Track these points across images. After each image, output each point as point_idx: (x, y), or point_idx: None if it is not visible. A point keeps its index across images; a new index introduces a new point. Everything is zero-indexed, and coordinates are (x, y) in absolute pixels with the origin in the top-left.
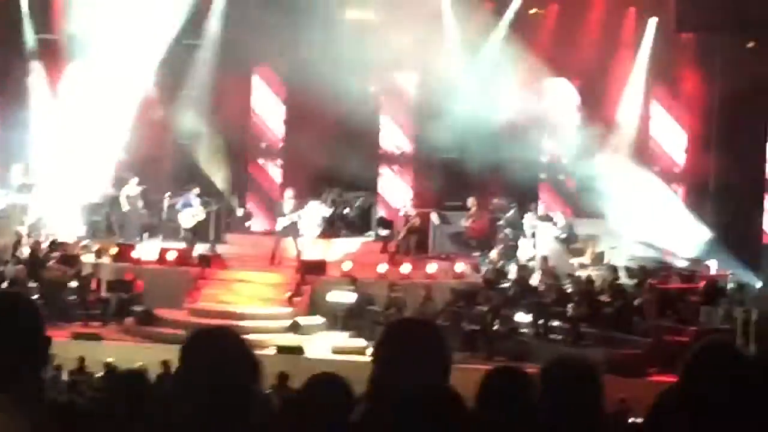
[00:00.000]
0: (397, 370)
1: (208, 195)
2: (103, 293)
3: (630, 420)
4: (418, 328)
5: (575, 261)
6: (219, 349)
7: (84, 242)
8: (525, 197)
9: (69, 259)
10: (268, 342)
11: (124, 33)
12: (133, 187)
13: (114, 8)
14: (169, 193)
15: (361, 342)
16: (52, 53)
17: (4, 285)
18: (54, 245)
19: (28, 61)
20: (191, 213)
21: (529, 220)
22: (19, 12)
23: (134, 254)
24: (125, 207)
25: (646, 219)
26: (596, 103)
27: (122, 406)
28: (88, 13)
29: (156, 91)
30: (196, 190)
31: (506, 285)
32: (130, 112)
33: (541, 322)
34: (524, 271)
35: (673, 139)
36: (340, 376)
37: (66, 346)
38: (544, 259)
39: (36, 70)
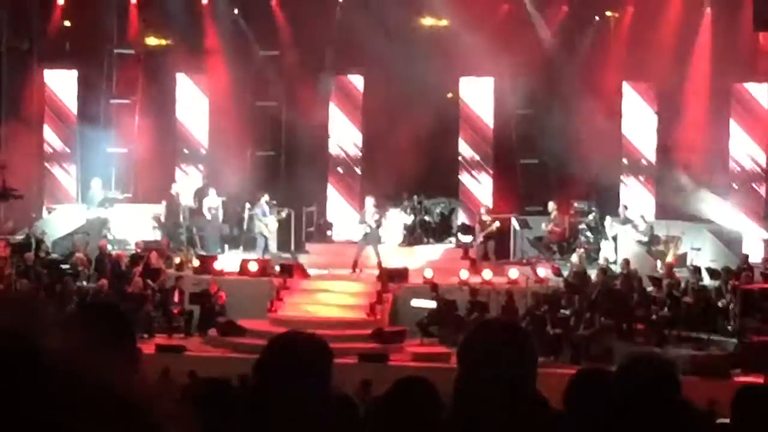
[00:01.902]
0: (483, 371)
1: (287, 204)
2: (186, 305)
3: (718, 421)
4: (503, 329)
5: (657, 263)
6: (295, 353)
7: (165, 255)
8: (605, 200)
9: (151, 272)
10: (350, 350)
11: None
12: (213, 199)
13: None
14: (248, 204)
15: (443, 349)
16: (129, 67)
17: (88, 300)
18: (135, 258)
19: (107, 74)
20: (266, 222)
21: (610, 223)
22: (99, 27)
23: (216, 266)
24: (206, 219)
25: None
26: (674, 105)
27: (205, 414)
28: (164, 28)
29: (233, 103)
30: (266, 197)
31: (589, 289)
32: (207, 124)
33: (624, 325)
34: (606, 275)
35: (755, 137)
36: (426, 379)
37: (150, 359)
38: (626, 261)
39: (116, 84)
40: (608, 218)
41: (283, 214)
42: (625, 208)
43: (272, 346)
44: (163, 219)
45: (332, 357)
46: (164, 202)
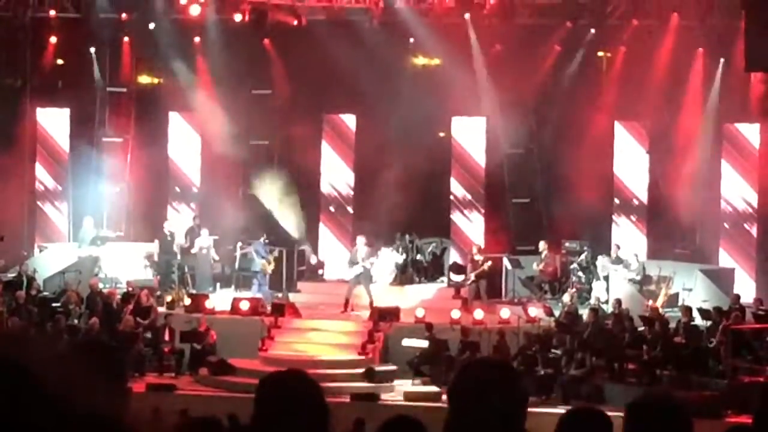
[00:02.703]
0: (473, 409)
1: (279, 243)
2: (177, 344)
3: None
4: (494, 367)
5: (649, 303)
6: (289, 392)
7: (157, 293)
8: (597, 240)
9: (142, 310)
10: (342, 389)
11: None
12: (205, 238)
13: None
14: (240, 243)
15: (435, 388)
16: (121, 105)
17: (79, 337)
18: (127, 297)
19: (99, 112)
20: (269, 259)
21: (601, 262)
22: (91, 65)
23: (208, 304)
24: (198, 258)
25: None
26: (666, 145)
27: None
28: (157, 67)
29: (227, 142)
30: (263, 238)
31: (580, 328)
32: (199, 162)
33: (616, 365)
34: (598, 314)
35: (746, 178)
36: (415, 418)
37: (141, 398)
38: (618, 301)
39: (108, 122)
40: (600, 258)
41: (276, 254)
42: (617, 247)
43: (264, 385)
44: (156, 257)
45: (322, 394)
46: (157, 241)
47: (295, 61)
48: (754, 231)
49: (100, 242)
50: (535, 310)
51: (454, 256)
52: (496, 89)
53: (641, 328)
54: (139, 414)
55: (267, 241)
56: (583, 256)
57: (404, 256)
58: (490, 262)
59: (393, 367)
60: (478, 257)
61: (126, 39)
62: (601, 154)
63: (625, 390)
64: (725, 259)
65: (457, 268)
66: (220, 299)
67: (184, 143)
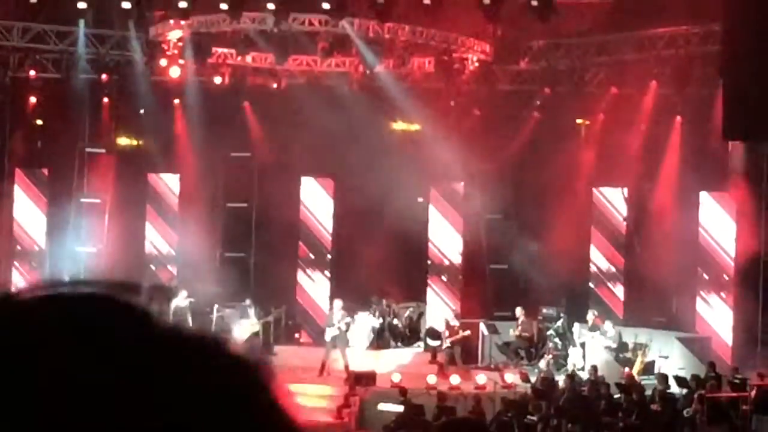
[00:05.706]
0: None
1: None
2: None
3: None
4: (473, 427)
5: (625, 370)
6: None
7: None
8: (574, 307)
9: None
10: None
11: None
12: (181, 300)
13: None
14: (217, 305)
15: None
16: (100, 166)
17: None
18: None
19: (78, 173)
20: (248, 324)
21: (578, 329)
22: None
23: None
24: (173, 319)
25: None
26: (644, 212)
27: None
28: (136, 128)
29: (209, 203)
30: (248, 302)
31: (556, 395)
32: (179, 225)
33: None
34: (574, 381)
35: (724, 246)
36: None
37: None
38: (594, 368)
39: (86, 183)
40: (576, 324)
41: (270, 318)
42: (594, 314)
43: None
44: None
45: None
46: None
47: (274, 124)
48: (730, 299)
49: None
50: (511, 376)
51: (430, 321)
52: (475, 155)
53: (617, 395)
54: None
55: (250, 305)
56: (559, 323)
57: (381, 320)
58: (468, 331)
59: None
60: (455, 323)
61: (106, 100)
62: (579, 220)
63: None
64: (702, 327)
65: (434, 334)
66: None
67: (163, 205)
